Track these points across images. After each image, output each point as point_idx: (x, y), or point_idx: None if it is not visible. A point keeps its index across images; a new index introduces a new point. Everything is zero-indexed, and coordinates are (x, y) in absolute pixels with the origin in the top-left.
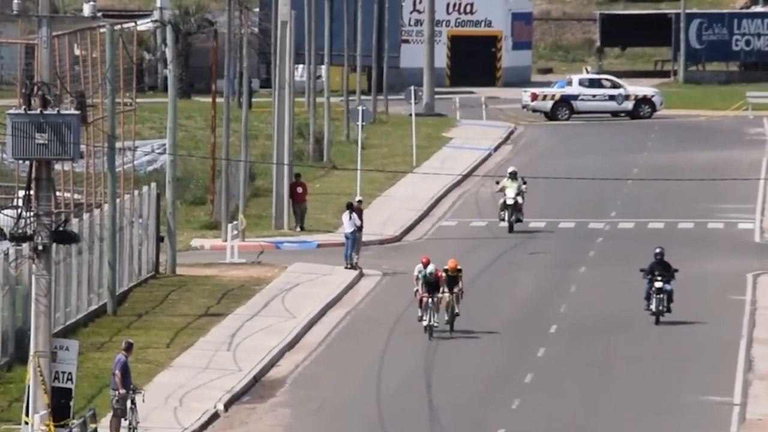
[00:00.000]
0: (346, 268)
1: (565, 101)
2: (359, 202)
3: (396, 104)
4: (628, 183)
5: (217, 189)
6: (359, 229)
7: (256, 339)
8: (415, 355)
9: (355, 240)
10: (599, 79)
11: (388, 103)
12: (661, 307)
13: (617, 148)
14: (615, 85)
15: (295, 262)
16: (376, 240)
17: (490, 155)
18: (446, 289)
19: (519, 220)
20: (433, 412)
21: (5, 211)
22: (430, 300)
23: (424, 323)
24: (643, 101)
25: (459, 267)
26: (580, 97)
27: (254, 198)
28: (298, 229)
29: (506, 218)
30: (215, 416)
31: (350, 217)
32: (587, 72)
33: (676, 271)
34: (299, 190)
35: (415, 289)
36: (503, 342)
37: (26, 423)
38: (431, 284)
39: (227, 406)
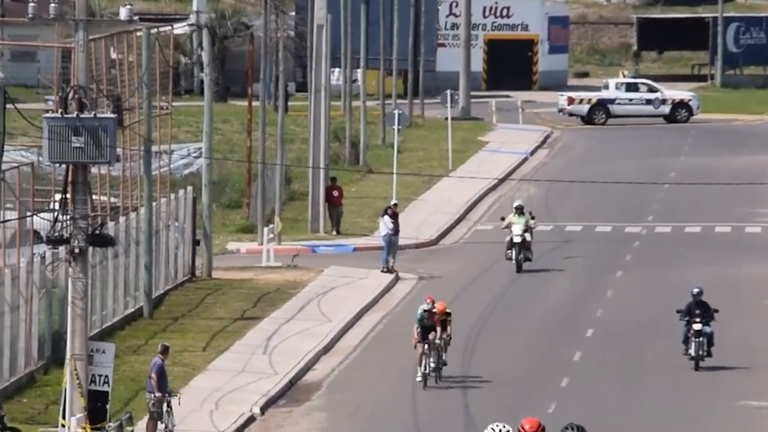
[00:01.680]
0: (382, 271)
1: (602, 105)
2: (395, 205)
3: (432, 108)
4: (665, 187)
5: (253, 192)
6: (395, 232)
7: (292, 342)
8: (451, 358)
9: (390, 243)
10: (636, 83)
11: (424, 106)
12: (701, 352)
13: (654, 152)
14: (652, 89)
15: (331, 265)
16: (412, 244)
17: (526, 159)
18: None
19: (528, 259)
20: (469, 416)
21: (42, 215)
22: (426, 346)
23: (418, 378)
24: (680, 105)
25: (448, 311)
26: (616, 101)
27: (290, 201)
28: (334, 232)
29: (513, 257)
30: (251, 419)
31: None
32: (624, 76)
33: (716, 311)
34: (335, 193)
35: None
36: (539, 345)
37: (63, 426)
38: (426, 328)
39: (263, 409)
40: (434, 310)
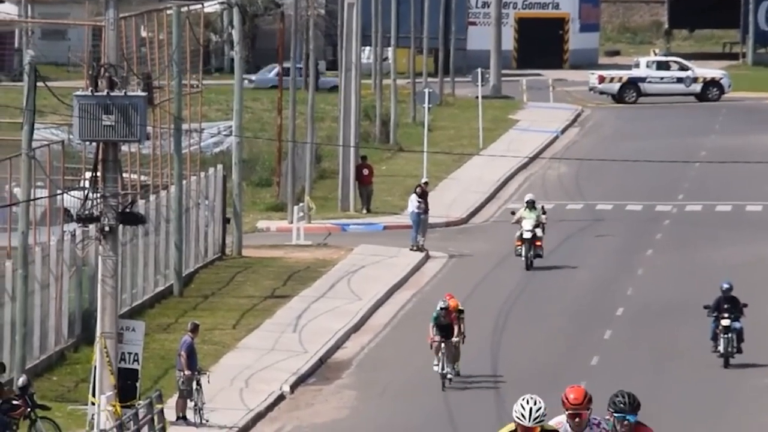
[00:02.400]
0: (411, 249)
1: (633, 84)
2: (425, 184)
3: (462, 86)
4: (696, 166)
5: (283, 171)
6: (425, 211)
7: (321, 321)
8: (480, 337)
9: (418, 222)
10: (667, 62)
11: (455, 85)
12: (730, 348)
13: (685, 131)
14: (683, 68)
15: (361, 244)
16: (443, 222)
17: (557, 138)
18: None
19: (538, 255)
20: (499, 395)
21: (72, 193)
22: (443, 345)
23: (436, 369)
24: (711, 84)
25: (461, 307)
26: (647, 80)
27: (320, 180)
28: (365, 211)
29: (523, 254)
30: (281, 398)
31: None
32: (655, 54)
33: (745, 306)
34: (365, 172)
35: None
36: (570, 324)
37: (93, 403)
38: (443, 327)
39: (293, 387)
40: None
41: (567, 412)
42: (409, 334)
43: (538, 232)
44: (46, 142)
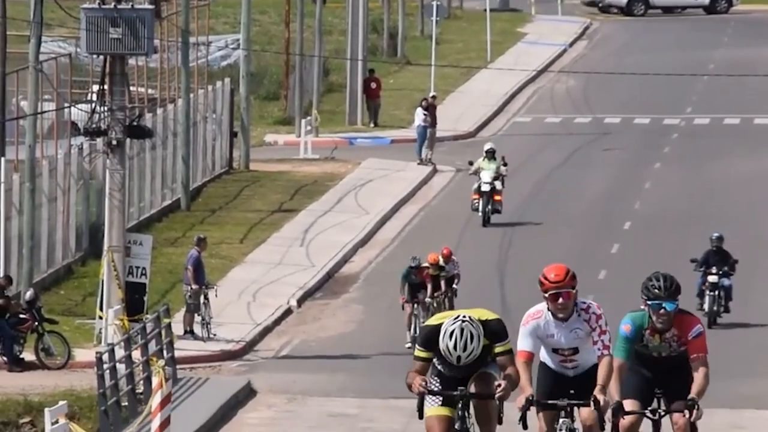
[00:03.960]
0: (418, 163)
1: None
2: (433, 97)
3: None
4: (704, 78)
5: (290, 84)
6: (433, 125)
7: (329, 235)
8: (489, 250)
9: (424, 135)
10: None
11: None
12: (716, 307)
13: (693, 44)
14: None
15: (368, 157)
16: (450, 136)
17: (565, 51)
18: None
19: (497, 211)
20: (506, 309)
21: (79, 106)
22: (415, 305)
23: (407, 346)
24: None
25: (442, 264)
26: None
27: (328, 93)
28: (372, 124)
29: (480, 208)
30: (288, 312)
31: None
32: None
33: (736, 262)
34: (373, 85)
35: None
36: (577, 238)
37: (100, 317)
38: (415, 286)
39: (300, 301)
40: (425, 264)
41: (546, 294)
42: (416, 249)
43: (498, 185)
44: (53, 55)
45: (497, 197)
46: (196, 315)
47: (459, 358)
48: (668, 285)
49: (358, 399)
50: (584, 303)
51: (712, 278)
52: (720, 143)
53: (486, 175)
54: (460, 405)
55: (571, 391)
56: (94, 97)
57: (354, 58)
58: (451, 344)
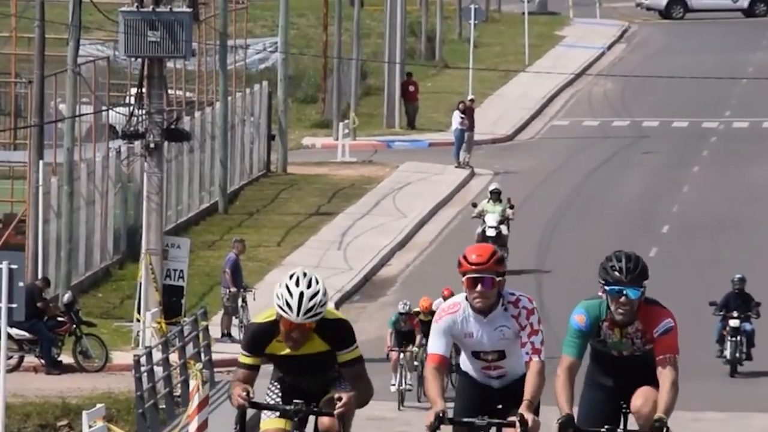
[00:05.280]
0: (456, 166)
1: None
2: (471, 101)
3: (509, 2)
4: (743, 82)
5: (328, 87)
6: (470, 128)
7: (366, 238)
8: (525, 254)
9: (461, 138)
10: None
11: (501, 1)
12: (738, 354)
13: (732, 47)
14: None
15: (406, 161)
16: (488, 139)
17: (603, 54)
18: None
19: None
20: (544, 315)
21: (118, 109)
22: (402, 355)
23: (393, 388)
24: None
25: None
26: None
27: (365, 96)
28: (410, 127)
29: None
30: None
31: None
32: None
33: (759, 305)
34: (411, 88)
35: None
36: (615, 241)
37: (138, 320)
38: (404, 335)
39: (338, 305)
40: (416, 310)
41: (464, 278)
42: (454, 252)
43: (504, 229)
44: (91, 59)
45: (503, 242)
46: (233, 318)
47: (301, 296)
48: (631, 267)
49: (396, 402)
50: (513, 295)
51: (733, 323)
52: (759, 147)
53: (491, 219)
54: (296, 421)
55: (499, 406)
56: (132, 100)
57: (392, 61)
58: (292, 282)
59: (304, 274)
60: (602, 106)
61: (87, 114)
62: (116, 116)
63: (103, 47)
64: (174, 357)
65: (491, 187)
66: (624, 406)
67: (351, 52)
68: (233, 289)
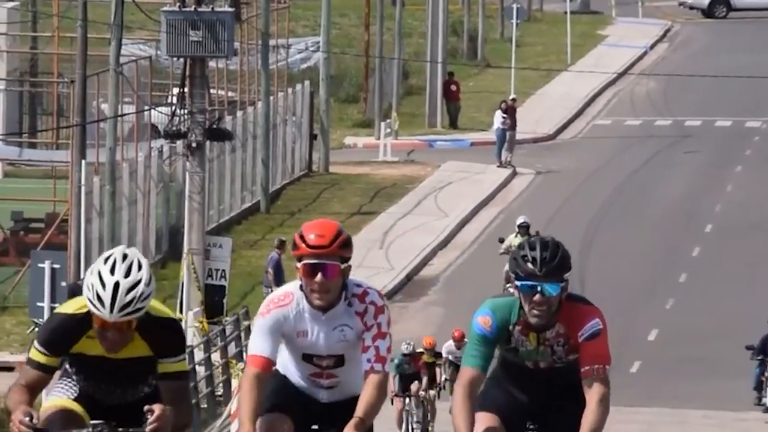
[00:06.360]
0: (498, 166)
1: None
2: (513, 100)
3: (551, 2)
4: None
5: (370, 87)
6: (512, 127)
7: (408, 237)
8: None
9: (503, 138)
10: None
11: (543, 0)
12: None
13: None
14: None
15: (447, 160)
16: (530, 138)
17: (646, 53)
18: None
19: None
20: None
21: (160, 109)
22: (407, 400)
23: None
24: None
25: (438, 351)
26: None
27: (407, 96)
28: (451, 127)
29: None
30: None
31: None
32: None
33: None
34: (453, 88)
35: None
36: (658, 241)
37: (180, 320)
38: (410, 377)
39: None
40: (419, 350)
41: (300, 264)
42: (496, 251)
43: None
44: (133, 58)
45: None
46: None
47: (116, 288)
48: (548, 257)
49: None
50: (360, 287)
51: None
52: None
53: None
54: None
55: (314, 427)
56: (174, 100)
57: (434, 61)
58: (106, 268)
59: (124, 257)
60: (644, 106)
61: (129, 114)
62: (158, 116)
63: (146, 47)
64: (216, 356)
65: (519, 221)
66: (531, 428)
67: (393, 51)
68: (275, 289)
